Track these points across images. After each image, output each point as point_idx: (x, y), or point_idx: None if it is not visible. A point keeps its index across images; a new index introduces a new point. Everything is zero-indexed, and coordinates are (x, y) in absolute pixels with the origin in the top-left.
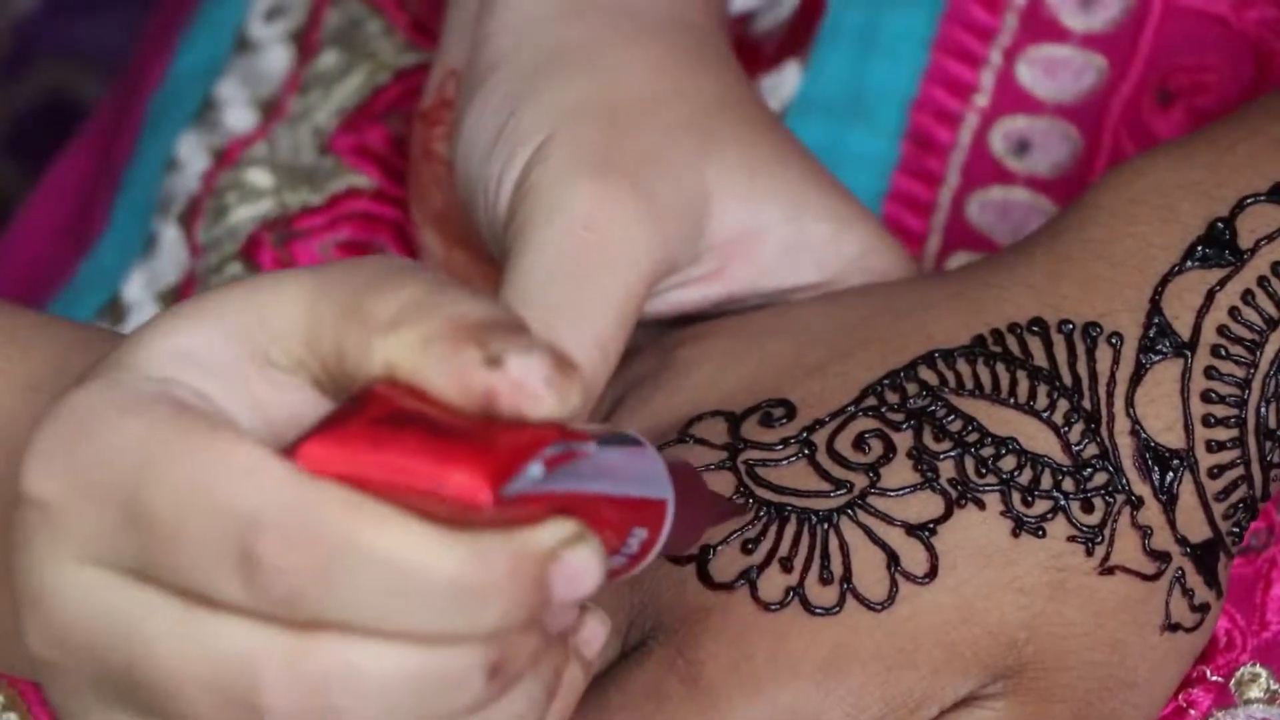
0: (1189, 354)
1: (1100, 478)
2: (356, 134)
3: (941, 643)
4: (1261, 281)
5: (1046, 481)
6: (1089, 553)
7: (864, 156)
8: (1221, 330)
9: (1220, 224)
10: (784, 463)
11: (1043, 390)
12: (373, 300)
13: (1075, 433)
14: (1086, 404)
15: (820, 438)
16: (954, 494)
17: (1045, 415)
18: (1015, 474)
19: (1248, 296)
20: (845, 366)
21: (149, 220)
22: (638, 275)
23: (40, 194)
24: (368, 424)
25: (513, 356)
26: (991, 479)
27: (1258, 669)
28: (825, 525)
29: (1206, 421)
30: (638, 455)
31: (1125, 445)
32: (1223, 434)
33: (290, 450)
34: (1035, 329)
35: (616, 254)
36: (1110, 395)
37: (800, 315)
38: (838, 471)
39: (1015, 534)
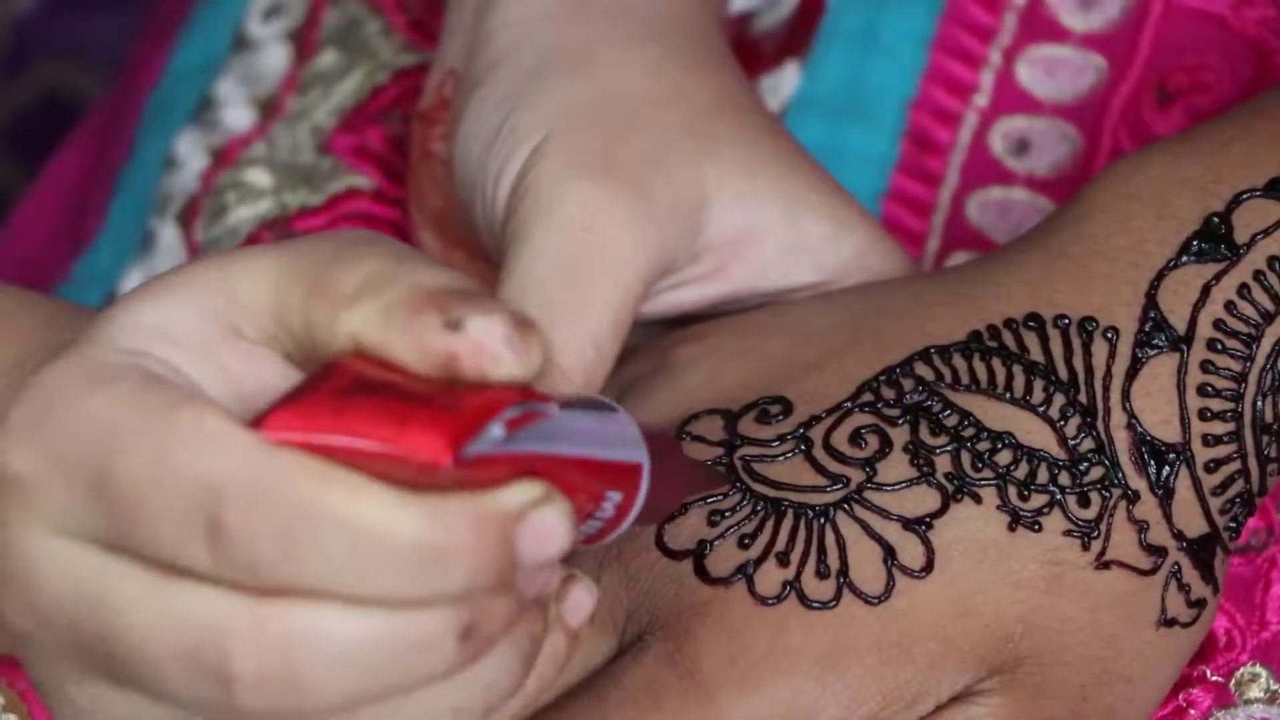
0: (1185, 348)
1: (1096, 472)
2: (356, 134)
3: (938, 636)
4: (1258, 276)
5: (1043, 476)
6: (1085, 547)
7: (863, 156)
8: (1217, 324)
9: (1216, 219)
10: (780, 458)
11: (1039, 385)
12: (336, 273)
13: (1071, 427)
14: (1083, 398)
15: (817, 433)
16: (950, 488)
17: (1041, 410)
18: (1011, 468)
19: (1244, 290)
20: (841, 363)
21: (146, 219)
22: (634, 275)
23: (35, 193)
24: (331, 393)
25: (472, 319)
26: (988, 473)
27: (1258, 669)
28: (822, 520)
29: (1203, 415)
30: (611, 419)
31: (1121, 439)
32: (1219, 428)
33: (255, 421)
34: (1031, 324)
35: (613, 254)
36: (1106, 389)
37: (797, 314)
38: (834, 466)
39: (1011, 528)
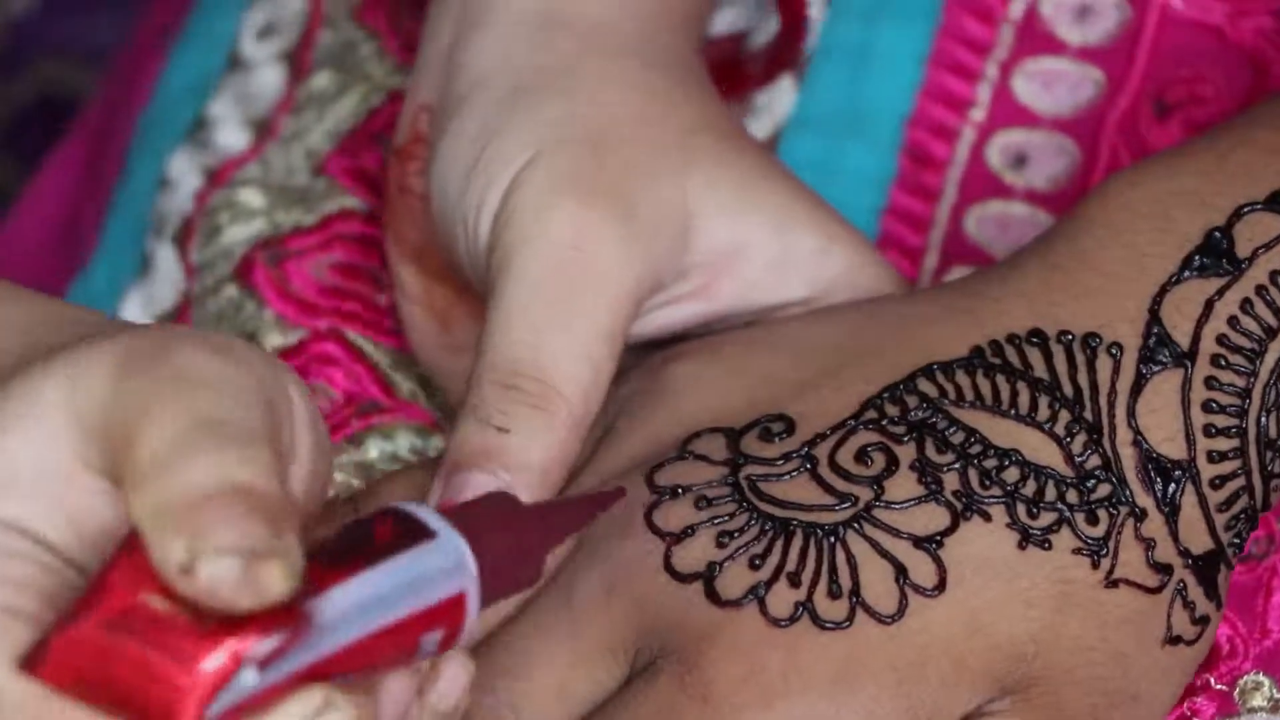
0: (1189, 364)
1: (1104, 489)
2: (352, 157)
3: (951, 655)
4: (1260, 291)
5: (1051, 493)
6: (1094, 565)
7: (861, 173)
8: (1221, 340)
9: (1217, 233)
10: (786, 477)
11: (1044, 401)
12: (144, 429)
13: (1078, 444)
14: (1088, 415)
15: (822, 451)
16: (959, 506)
17: (1047, 426)
18: (1019, 486)
19: (1247, 306)
20: (842, 380)
21: (142, 240)
22: (624, 292)
23: (26, 204)
24: (96, 628)
25: (202, 563)
26: (996, 491)
27: (1260, 678)
28: (832, 539)
29: (1208, 431)
30: (424, 553)
31: (1128, 456)
32: (1224, 444)
33: (33, 655)
34: (1034, 340)
35: (602, 273)
36: (1112, 406)
37: (794, 330)
38: (841, 485)
39: (1022, 546)
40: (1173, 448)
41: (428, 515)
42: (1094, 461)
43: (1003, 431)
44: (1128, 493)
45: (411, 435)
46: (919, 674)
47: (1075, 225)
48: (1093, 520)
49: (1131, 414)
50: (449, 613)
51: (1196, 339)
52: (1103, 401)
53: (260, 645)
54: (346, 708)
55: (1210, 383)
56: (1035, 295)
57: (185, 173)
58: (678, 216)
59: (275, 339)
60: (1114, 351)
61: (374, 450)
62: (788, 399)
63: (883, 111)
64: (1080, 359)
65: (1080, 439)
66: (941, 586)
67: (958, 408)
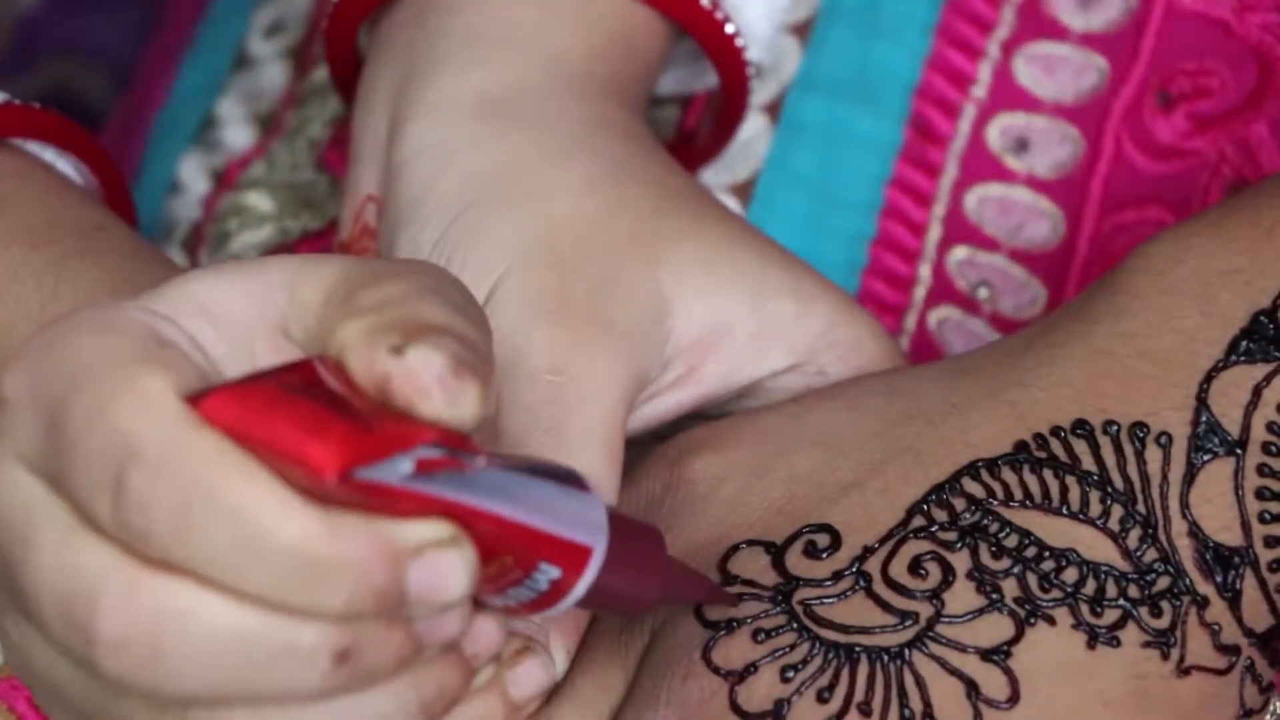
0: (1240, 452)
1: (1164, 581)
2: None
3: None
4: None
5: (1111, 590)
6: (1164, 656)
7: (867, 140)
8: (1270, 426)
9: (1263, 317)
10: (841, 598)
11: (1095, 496)
12: (366, 290)
13: (1133, 538)
14: (1141, 508)
15: (873, 566)
16: (1022, 613)
17: (1101, 523)
18: (1079, 586)
19: None
20: (884, 482)
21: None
22: (614, 400)
23: None
24: (275, 386)
25: (414, 348)
26: (1056, 593)
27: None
28: (899, 661)
29: (1262, 518)
30: (571, 496)
31: (1185, 547)
32: (1279, 529)
33: (197, 395)
34: (1080, 431)
35: (588, 390)
36: (1164, 497)
37: (822, 422)
38: (899, 602)
39: (1090, 646)
40: (1229, 536)
41: (578, 470)
42: (1151, 555)
43: (1057, 531)
44: (1188, 582)
45: None
46: None
47: (1117, 303)
48: (1157, 613)
49: (1185, 504)
50: (572, 557)
51: (1246, 426)
52: (1154, 493)
53: (424, 449)
54: (468, 551)
55: (1262, 470)
56: (1082, 385)
57: (193, 177)
58: (655, 312)
59: None
60: (1163, 441)
61: None
62: (828, 505)
63: (891, 80)
64: (1129, 450)
65: (1134, 533)
66: (1015, 698)
67: (1007, 508)
